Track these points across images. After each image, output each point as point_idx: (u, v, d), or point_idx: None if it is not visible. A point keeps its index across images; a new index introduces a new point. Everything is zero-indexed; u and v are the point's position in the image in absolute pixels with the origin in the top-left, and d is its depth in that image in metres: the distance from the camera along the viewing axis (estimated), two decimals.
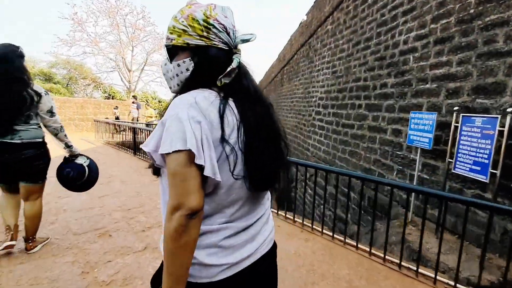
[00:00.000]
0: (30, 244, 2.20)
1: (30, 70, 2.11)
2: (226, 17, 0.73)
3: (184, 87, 0.75)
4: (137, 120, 11.90)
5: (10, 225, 2.12)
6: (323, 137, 7.78)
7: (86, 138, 9.35)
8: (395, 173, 4.52)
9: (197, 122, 0.63)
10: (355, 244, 2.62)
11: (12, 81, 1.91)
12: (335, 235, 2.78)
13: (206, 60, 0.72)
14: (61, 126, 2.17)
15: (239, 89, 0.75)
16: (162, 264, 0.72)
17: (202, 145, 0.63)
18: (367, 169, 5.28)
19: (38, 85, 2.06)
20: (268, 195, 0.88)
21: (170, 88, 0.81)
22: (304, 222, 3.07)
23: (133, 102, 12.63)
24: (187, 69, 0.74)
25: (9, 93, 1.90)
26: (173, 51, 0.76)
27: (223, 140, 0.67)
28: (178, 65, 0.75)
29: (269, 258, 0.85)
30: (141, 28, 19.95)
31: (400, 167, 4.39)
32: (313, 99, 8.99)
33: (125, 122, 10.67)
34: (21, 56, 1.99)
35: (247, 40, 0.77)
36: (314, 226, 2.97)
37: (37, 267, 2.01)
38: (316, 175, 3.19)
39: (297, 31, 12.29)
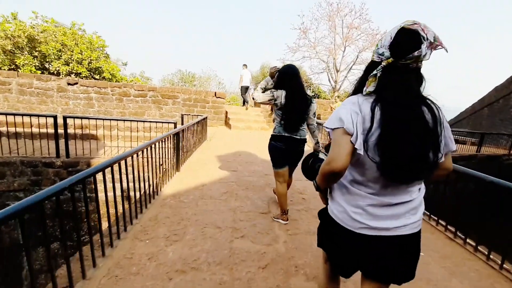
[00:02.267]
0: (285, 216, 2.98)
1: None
2: (391, 38, 0.97)
3: (357, 84, 1.13)
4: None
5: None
6: None
7: None
8: None
9: (355, 113, 0.98)
10: None
11: (302, 89, 2.60)
12: None
13: (365, 69, 1.10)
14: (317, 125, 2.74)
15: (387, 95, 0.98)
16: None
17: (356, 128, 0.96)
18: None
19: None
20: (418, 187, 1.05)
21: None
22: None
23: None
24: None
25: (305, 98, 2.59)
26: None
27: (369, 131, 0.96)
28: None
29: (411, 239, 1.04)
30: (357, 26, 19.49)
31: None
32: None
33: None
34: (298, 70, 2.65)
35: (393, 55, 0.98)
36: None
37: None
38: None
39: None
